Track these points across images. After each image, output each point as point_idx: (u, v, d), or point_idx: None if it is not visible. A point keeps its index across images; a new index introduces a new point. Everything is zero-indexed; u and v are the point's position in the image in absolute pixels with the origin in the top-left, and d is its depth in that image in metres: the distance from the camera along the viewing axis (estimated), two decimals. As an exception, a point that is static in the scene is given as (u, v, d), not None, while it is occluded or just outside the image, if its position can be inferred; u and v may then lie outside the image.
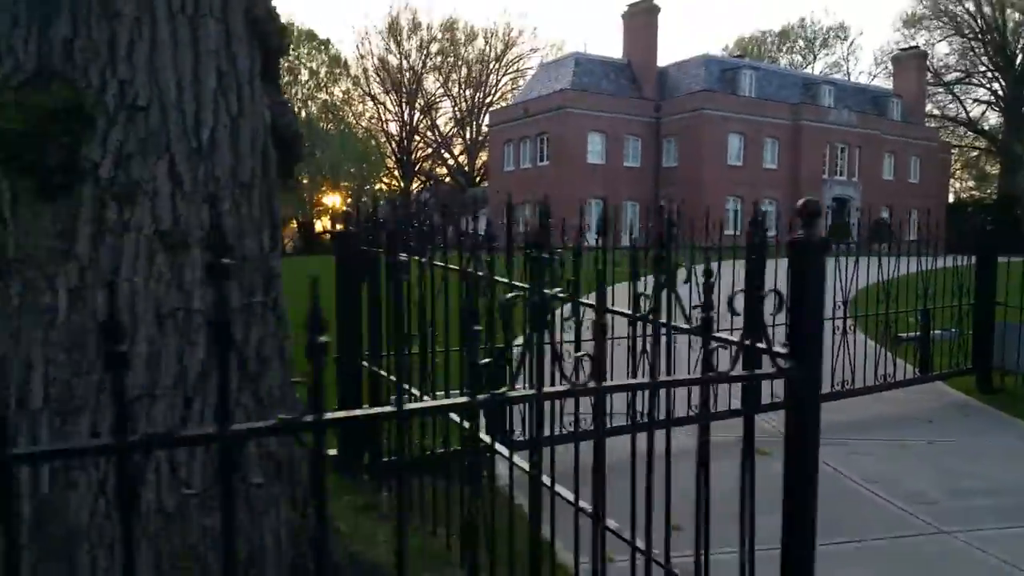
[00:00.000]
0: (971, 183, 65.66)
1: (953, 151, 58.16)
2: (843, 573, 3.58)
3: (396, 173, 62.36)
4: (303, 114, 56.17)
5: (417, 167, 63.76)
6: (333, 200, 58.41)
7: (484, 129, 63.15)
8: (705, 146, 40.44)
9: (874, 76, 65.27)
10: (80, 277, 2.20)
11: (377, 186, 60.63)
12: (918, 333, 7.68)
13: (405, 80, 60.53)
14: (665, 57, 71.48)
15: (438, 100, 63.36)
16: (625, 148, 41.99)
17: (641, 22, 43.18)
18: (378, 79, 60.17)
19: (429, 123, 63.75)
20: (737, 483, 1.89)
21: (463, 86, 62.38)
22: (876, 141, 46.25)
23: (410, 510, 3.74)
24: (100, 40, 2.19)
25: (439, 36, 60.83)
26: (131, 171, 2.21)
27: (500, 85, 63.46)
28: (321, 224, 58.85)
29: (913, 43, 55.71)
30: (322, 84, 56.44)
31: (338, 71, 57.33)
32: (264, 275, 2.52)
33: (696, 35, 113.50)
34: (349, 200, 56.90)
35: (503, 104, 60.14)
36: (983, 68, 57.19)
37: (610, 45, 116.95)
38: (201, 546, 2.31)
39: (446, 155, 64.58)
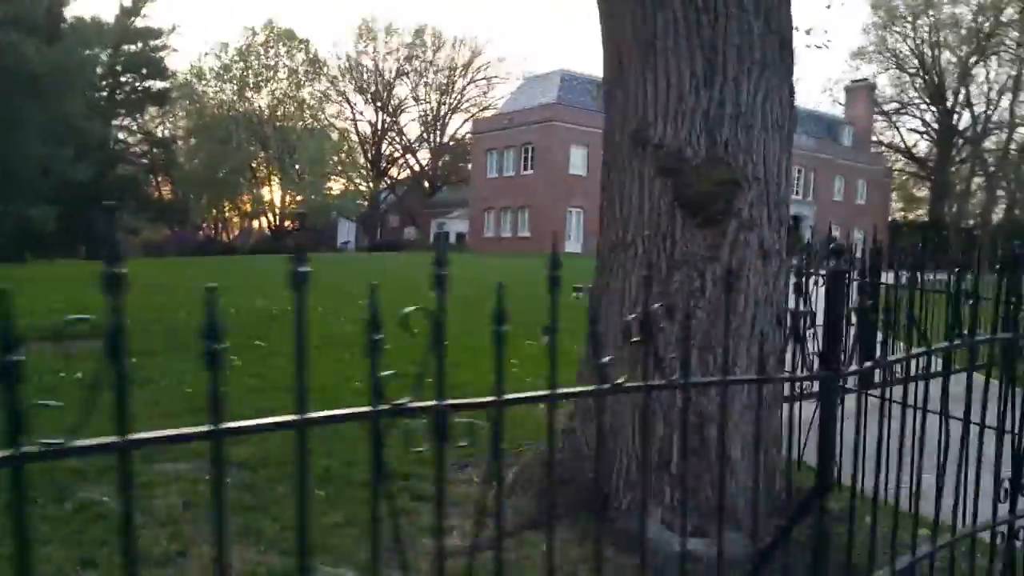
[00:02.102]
0: (900, 204, 70.48)
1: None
2: None
3: (366, 173, 63.57)
4: (280, 112, 56.93)
5: (386, 169, 65.11)
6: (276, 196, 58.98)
7: (448, 134, 64.96)
8: (677, 163, 43.06)
9: (819, 103, 69.54)
10: (721, 271, 4.01)
11: (331, 185, 61.41)
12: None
13: (376, 82, 61.88)
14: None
15: (405, 104, 64.88)
16: (603, 161, 44.44)
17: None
18: (351, 80, 61.43)
19: (396, 126, 65.21)
20: None
21: (429, 90, 63.92)
22: (829, 165, 49.80)
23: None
24: (744, 142, 4.00)
25: (410, 40, 62.32)
26: (753, 214, 4.03)
27: (466, 92, 65.24)
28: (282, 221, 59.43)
29: (860, 74, 59.86)
30: (301, 83, 57.44)
31: (315, 70, 58.40)
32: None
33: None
34: (300, 198, 57.68)
35: (471, 111, 62.07)
36: (917, 100, 61.74)
37: (582, 63, 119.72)
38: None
39: (411, 160, 66.20)
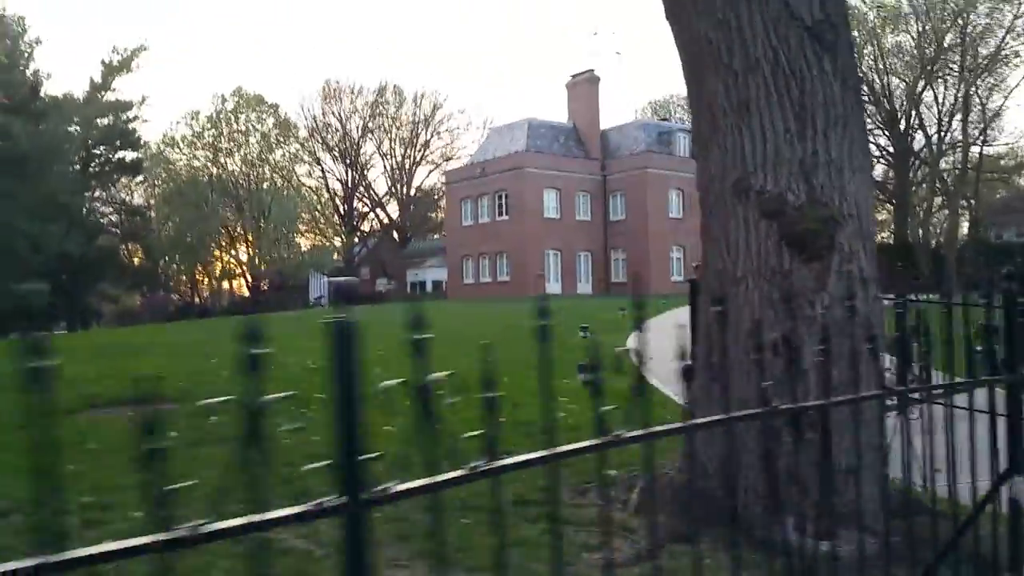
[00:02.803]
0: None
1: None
2: None
3: (339, 228, 63.98)
4: (253, 174, 57.33)
5: (358, 223, 65.64)
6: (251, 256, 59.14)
7: (414, 186, 65.91)
8: (650, 201, 44.26)
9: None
10: (829, 300, 4.53)
11: (302, 242, 61.84)
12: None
13: (343, 140, 62.65)
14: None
15: (371, 160, 65.74)
16: (576, 203, 45.46)
17: (584, 90, 47.09)
18: (319, 140, 62.14)
19: (364, 182, 65.95)
20: None
21: (393, 144, 64.79)
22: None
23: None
24: (837, 185, 4.56)
25: (373, 99, 63.28)
26: (852, 246, 4.57)
27: (430, 144, 66.16)
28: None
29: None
30: (272, 146, 57.90)
31: (284, 132, 58.93)
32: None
33: (610, 100, 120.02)
34: (275, 256, 57.86)
35: (436, 162, 63.26)
36: (871, 126, 63.79)
37: (525, 110, 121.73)
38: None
39: (380, 214, 66.92)
